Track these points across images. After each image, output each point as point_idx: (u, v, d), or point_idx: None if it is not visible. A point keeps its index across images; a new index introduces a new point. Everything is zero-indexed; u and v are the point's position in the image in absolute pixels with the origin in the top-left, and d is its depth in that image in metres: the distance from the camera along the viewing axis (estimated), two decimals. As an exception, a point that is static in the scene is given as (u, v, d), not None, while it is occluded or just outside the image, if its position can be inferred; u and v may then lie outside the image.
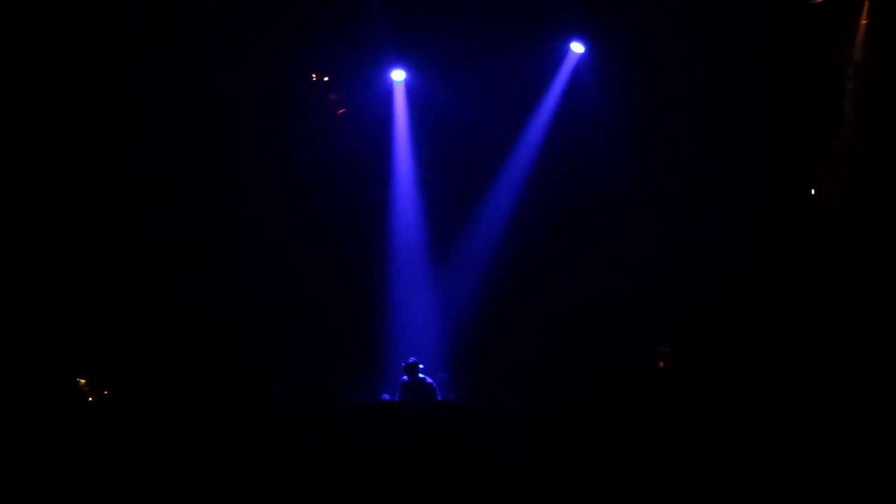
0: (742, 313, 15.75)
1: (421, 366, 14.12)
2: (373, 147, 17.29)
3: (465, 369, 16.52)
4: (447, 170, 17.21)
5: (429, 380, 14.04)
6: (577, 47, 16.81)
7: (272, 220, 16.66)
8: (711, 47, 16.02)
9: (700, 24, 15.89)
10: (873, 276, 15.09)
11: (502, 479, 11.81)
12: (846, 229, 15.56)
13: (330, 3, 15.97)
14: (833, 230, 15.63)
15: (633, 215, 16.84)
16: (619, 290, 16.53)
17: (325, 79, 17.20)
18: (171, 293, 16.00)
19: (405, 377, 14.12)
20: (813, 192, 16.12)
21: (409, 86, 17.21)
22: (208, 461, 11.78)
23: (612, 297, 16.52)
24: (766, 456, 11.84)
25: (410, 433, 12.35)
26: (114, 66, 15.34)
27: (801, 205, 16.04)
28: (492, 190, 17.35)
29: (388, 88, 17.22)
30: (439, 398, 14.14)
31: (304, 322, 16.64)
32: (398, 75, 17.11)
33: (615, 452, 12.01)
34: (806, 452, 11.84)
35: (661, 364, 15.20)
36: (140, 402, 14.02)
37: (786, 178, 15.97)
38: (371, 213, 17.30)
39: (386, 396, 14.62)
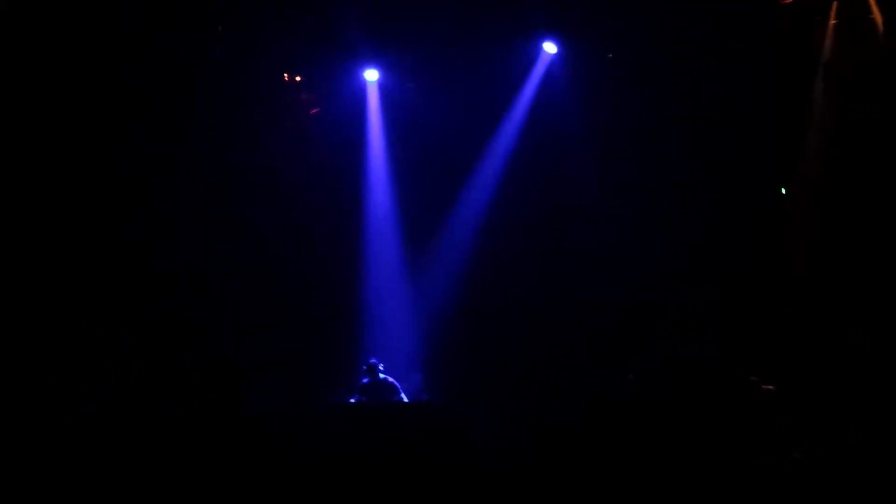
0: (727, 319, 15.75)
1: (381, 366, 14.16)
2: (346, 147, 17.28)
3: (441, 370, 16.54)
4: (421, 170, 17.20)
5: (390, 379, 14.10)
6: (549, 47, 16.82)
7: (243, 221, 16.66)
8: (684, 47, 16.04)
9: (672, 24, 15.90)
10: (866, 276, 15.08)
11: (478, 481, 11.86)
12: (828, 228, 15.59)
13: (303, 2, 15.96)
14: (816, 229, 15.65)
15: (605, 216, 16.80)
16: (594, 290, 16.53)
17: (298, 78, 17.21)
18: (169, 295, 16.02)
19: (365, 379, 14.17)
20: (784, 191, 16.17)
21: (383, 85, 17.23)
22: (207, 461, 11.93)
23: (587, 298, 16.51)
24: (765, 456, 11.88)
25: (381, 434, 12.43)
26: (96, 67, 15.44)
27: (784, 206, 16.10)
28: (467, 190, 17.35)
29: (361, 88, 17.23)
30: (403, 395, 14.17)
31: (277, 323, 16.61)
32: (371, 75, 17.12)
33: (601, 455, 12.06)
34: (806, 452, 11.89)
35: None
36: (140, 402, 14.11)
37: (768, 178, 16.00)
38: (344, 213, 17.29)
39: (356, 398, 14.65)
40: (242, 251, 16.65)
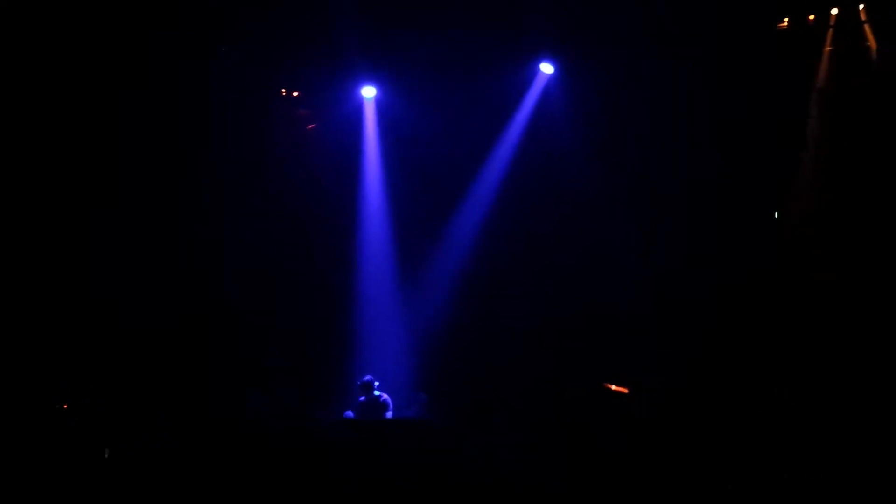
0: (717, 337, 15.83)
1: (376, 383, 14.20)
2: (342, 163, 17.34)
3: (435, 386, 16.53)
4: (417, 187, 17.24)
5: (384, 396, 14.14)
6: (546, 68, 16.93)
7: (238, 235, 16.72)
8: (680, 69, 16.16)
9: (668, 47, 16.02)
10: (862, 294, 15.16)
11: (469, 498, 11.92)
12: (820, 252, 15.71)
13: (302, 18, 16.03)
14: (809, 253, 15.77)
15: (602, 233, 16.88)
16: (589, 307, 16.61)
17: (296, 94, 17.28)
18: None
19: (362, 397, 14.21)
20: (777, 215, 16.29)
21: (380, 102, 17.29)
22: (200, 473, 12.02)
23: (582, 314, 16.60)
24: (765, 465, 11.96)
25: (372, 451, 12.49)
26: (98, 78, 15.52)
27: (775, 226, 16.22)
28: (461, 207, 17.40)
29: (358, 105, 17.29)
30: (390, 413, 14.21)
31: (271, 340, 16.69)
32: (368, 92, 17.19)
33: (604, 469, 12.12)
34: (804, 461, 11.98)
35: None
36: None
37: (764, 201, 16.13)
38: (340, 229, 17.32)
39: (349, 414, 14.67)
40: (236, 267, 16.70)
